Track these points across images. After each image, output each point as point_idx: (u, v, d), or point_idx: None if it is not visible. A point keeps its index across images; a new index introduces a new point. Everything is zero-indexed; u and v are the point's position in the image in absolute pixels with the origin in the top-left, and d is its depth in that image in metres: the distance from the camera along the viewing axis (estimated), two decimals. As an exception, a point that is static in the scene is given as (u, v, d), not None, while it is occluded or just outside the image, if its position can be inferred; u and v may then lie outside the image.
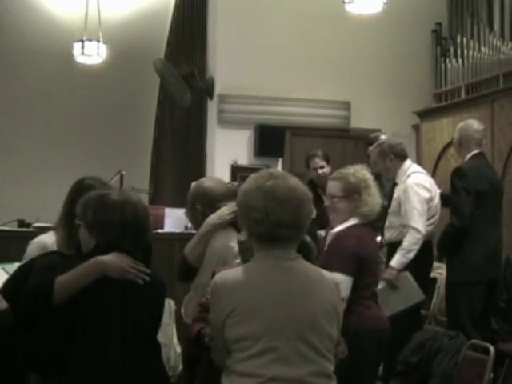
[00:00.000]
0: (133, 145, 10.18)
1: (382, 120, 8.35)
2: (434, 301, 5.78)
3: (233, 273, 2.55)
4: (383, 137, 6.08)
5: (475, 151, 5.28)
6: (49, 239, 3.42)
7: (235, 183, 4.71)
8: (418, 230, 5.14)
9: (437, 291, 5.98)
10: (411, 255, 5.10)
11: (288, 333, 2.42)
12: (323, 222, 4.66)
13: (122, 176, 7.02)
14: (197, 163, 8.64)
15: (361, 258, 3.75)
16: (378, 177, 5.86)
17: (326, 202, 4.11)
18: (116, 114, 10.19)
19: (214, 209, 3.79)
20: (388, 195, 5.54)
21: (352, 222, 3.90)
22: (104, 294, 2.68)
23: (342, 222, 3.92)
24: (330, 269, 3.05)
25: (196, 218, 3.91)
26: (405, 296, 4.99)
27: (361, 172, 4.00)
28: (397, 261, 5.08)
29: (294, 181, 2.55)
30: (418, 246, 5.11)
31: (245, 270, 2.52)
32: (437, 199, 5.40)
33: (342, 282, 3.36)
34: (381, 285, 4.73)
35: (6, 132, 9.79)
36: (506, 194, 5.71)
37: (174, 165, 9.76)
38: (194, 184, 4.07)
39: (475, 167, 5.23)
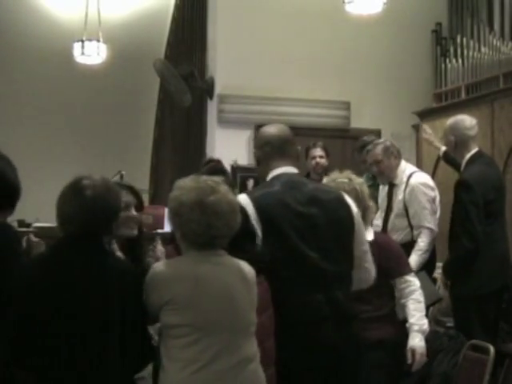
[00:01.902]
0: (133, 145, 10.19)
1: (382, 120, 8.36)
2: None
3: (171, 265, 2.71)
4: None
5: (474, 150, 4.95)
6: None
7: None
8: (432, 230, 5.21)
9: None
10: (427, 255, 5.17)
11: (222, 322, 2.62)
12: None
13: (122, 176, 7.02)
14: (197, 163, 8.64)
15: None
16: (373, 178, 5.89)
17: None
18: (116, 114, 10.20)
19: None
20: (385, 197, 5.55)
21: (372, 231, 3.91)
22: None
23: None
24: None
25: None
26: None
27: (357, 179, 3.97)
28: (415, 262, 5.06)
29: (229, 193, 2.74)
30: (432, 246, 5.19)
31: (181, 263, 2.72)
32: (438, 197, 5.44)
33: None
34: None
35: (6, 132, 9.78)
36: (506, 194, 5.69)
37: (174, 165, 9.76)
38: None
39: (480, 174, 4.87)
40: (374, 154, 5.51)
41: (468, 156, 4.94)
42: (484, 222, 4.73)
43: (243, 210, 2.97)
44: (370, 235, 3.80)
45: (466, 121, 5.02)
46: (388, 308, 3.90)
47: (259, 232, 3.10)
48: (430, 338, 4.88)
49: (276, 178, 3.31)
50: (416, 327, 3.84)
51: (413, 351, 3.79)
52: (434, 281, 5.61)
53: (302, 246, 3.13)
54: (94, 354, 2.56)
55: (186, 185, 2.73)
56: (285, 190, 3.21)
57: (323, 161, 6.24)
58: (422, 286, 4.93)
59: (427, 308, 5.03)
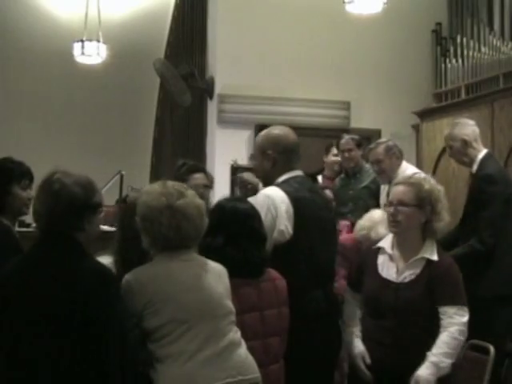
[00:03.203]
0: (133, 145, 10.19)
1: (382, 120, 8.36)
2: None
3: (143, 269, 2.77)
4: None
5: (484, 150, 4.84)
6: None
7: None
8: None
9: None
10: None
11: (202, 313, 2.71)
12: None
13: (122, 176, 7.02)
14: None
15: None
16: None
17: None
18: (116, 114, 10.20)
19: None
20: (386, 197, 5.55)
21: (434, 244, 3.51)
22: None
23: (407, 237, 3.51)
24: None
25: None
26: None
27: (432, 181, 3.62)
28: None
29: (196, 197, 2.83)
30: None
31: (153, 266, 2.79)
32: None
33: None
34: None
35: (6, 131, 9.78)
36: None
37: (173, 165, 9.71)
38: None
39: (501, 171, 4.82)
40: (376, 153, 5.47)
41: (481, 156, 4.81)
42: (505, 218, 4.61)
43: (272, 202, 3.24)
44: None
45: (469, 121, 4.96)
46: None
47: (289, 226, 3.29)
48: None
49: (292, 178, 3.50)
50: (434, 359, 3.37)
51: (416, 381, 3.34)
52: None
53: (318, 246, 3.40)
54: (46, 355, 2.50)
55: (154, 190, 2.81)
56: (306, 191, 3.47)
57: (353, 153, 6.06)
58: None
59: None
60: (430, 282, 3.42)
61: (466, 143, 4.79)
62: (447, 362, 3.38)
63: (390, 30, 8.34)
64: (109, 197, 6.54)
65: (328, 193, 5.49)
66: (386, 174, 5.46)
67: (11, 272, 2.64)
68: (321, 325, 3.33)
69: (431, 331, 3.37)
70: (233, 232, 3.02)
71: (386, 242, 3.61)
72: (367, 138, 8.11)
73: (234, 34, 8.18)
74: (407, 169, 5.50)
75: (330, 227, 3.57)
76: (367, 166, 6.05)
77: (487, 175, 4.67)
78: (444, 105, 7.99)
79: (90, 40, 9.49)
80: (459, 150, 4.85)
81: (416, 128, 8.38)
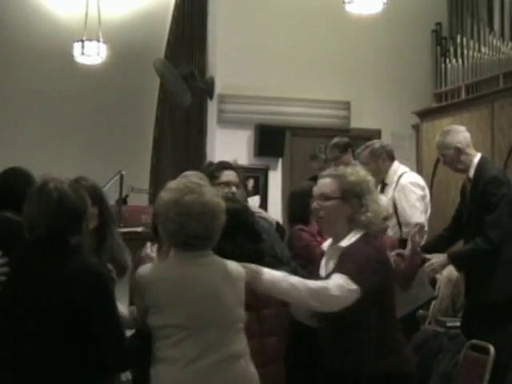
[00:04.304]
0: (133, 145, 10.18)
1: (382, 120, 8.36)
2: (434, 301, 5.77)
3: (157, 268, 2.77)
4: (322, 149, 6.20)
5: (478, 154, 4.85)
6: None
7: None
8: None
9: (437, 291, 5.98)
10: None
11: (208, 322, 2.65)
12: None
13: (122, 176, 7.02)
14: (197, 163, 8.63)
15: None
16: None
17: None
18: (116, 114, 10.19)
19: None
20: None
21: (357, 234, 3.26)
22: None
23: (335, 231, 3.29)
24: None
25: None
26: (416, 294, 4.98)
27: (361, 172, 3.44)
28: None
29: (209, 194, 2.75)
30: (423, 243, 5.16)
31: (164, 265, 2.77)
32: (428, 196, 5.51)
33: None
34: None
35: (6, 132, 9.78)
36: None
37: (174, 165, 9.75)
38: None
39: (502, 171, 4.86)
40: (362, 157, 5.59)
41: (476, 160, 4.82)
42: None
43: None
44: None
45: (459, 127, 5.00)
46: None
47: None
48: (430, 338, 4.91)
49: None
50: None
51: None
52: (433, 281, 5.62)
53: None
54: (41, 355, 2.54)
55: (169, 185, 2.80)
56: None
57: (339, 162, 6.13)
58: (416, 285, 4.95)
59: (422, 306, 5.04)
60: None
61: (459, 150, 4.79)
62: (284, 286, 2.96)
63: (390, 30, 8.33)
64: (109, 197, 6.55)
65: None
66: (373, 176, 5.49)
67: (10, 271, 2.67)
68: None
69: (356, 323, 3.12)
70: (228, 230, 2.98)
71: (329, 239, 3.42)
72: (367, 138, 8.12)
73: (234, 34, 8.17)
74: (399, 168, 5.58)
75: None
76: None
77: (494, 177, 4.69)
78: (444, 105, 7.98)
79: (90, 40, 9.48)
80: (453, 158, 4.86)
81: (416, 128, 8.38)
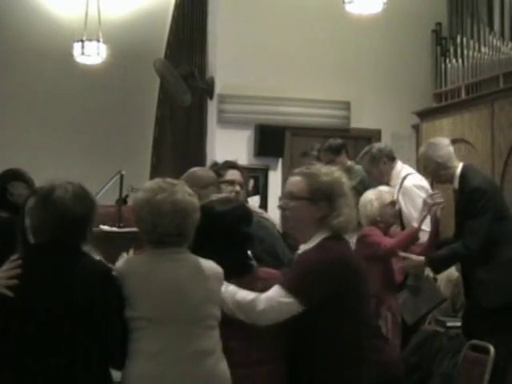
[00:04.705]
0: (133, 145, 10.18)
1: (382, 120, 8.36)
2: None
3: (129, 261, 2.87)
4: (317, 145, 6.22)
5: (460, 164, 4.81)
6: None
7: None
8: (425, 231, 5.20)
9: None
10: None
11: (173, 313, 2.69)
12: None
13: (122, 176, 7.01)
14: (197, 163, 8.63)
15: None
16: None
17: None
18: (116, 114, 10.19)
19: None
20: None
21: (319, 238, 3.01)
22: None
23: (301, 233, 3.08)
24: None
25: None
26: (427, 298, 4.99)
27: (336, 173, 3.14)
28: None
29: (181, 193, 2.80)
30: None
31: (139, 260, 2.83)
32: None
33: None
34: (404, 294, 4.80)
35: (6, 132, 9.78)
36: (506, 194, 5.69)
37: (174, 165, 9.75)
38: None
39: (485, 178, 4.81)
40: (363, 165, 5.70)
41: (459, 170, 4.79)
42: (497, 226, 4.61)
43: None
44: None
45: (442, 140, 4.96)
46: None
47: None
48: (430, 338, 4.91)
49: None
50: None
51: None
52: (435, 280, 5.63)
53: None
54: (59, 354, 2.57)
55: (145, 186, 2.88)
56: None
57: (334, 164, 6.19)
58: (427, 289, 4.95)
59: (431, 311, 5.05)
60: None
61: (439, 165, 4.78)
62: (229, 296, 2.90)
63: (390, 30, 8.34)
64: (109, 197, 6.55)
65: None
66: (377, 180, 5.59)
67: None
68: None
69: (315, 333, 2.95)
70: (211, 234, 2.98)
71: None
72: (367, 138, 8.14)
73: (234, 34, 8.17)
74: (403, 169, 5.57)
75: None
76: (357, 166, 6.11)
77: (476, 188, 4.65)
78: (444, 105, 7.99)
79: (90, 40, 9.48)
80: (434, 171, 4.87)
81: (416, 128, 8.38)
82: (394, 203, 4.99)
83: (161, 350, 2.65)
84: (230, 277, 2.93)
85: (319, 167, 3.15)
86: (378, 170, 5.52)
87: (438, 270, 4.96)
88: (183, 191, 2.82)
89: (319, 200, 3.00)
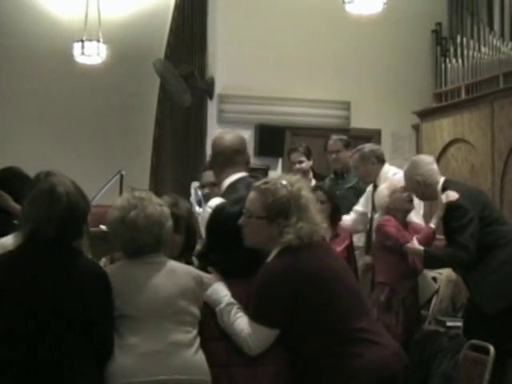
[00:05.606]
0: (133, 145, 10.19)
1: (382, 120, 8.36)
2: (434, 301, 5.78)
3: (109, 267, 3.02)
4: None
5: (441, 179, 4.76)
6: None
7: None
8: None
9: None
10: None
11: (149, 311, 2.82)
12: None
13: (122, 176, 7.03)
14: (197, 163, 8.64)
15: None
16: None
17: None
18: (116, 114, 10.20)
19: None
20: (368, 199, 5.66)
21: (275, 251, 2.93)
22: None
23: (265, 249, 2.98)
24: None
25: None
26: (421, 292, 5.12)
27: (297, 184, 2.99)
28: None
29: (152, 206, 2.94)
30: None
31: (116, 265, 3.01)
32: None
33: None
34: None
35: (6, 132, 9.79)
36: (506, 194, 5.71)
37: (173, 165, 9.76)
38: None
39: (463, 192, 4.67)
40: (353, 160, 5.81)
41: (440, 185, 4.74)
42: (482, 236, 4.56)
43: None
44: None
45: (426, 157, 4.96)
46: None
47: None
48: (430, 338, 4.91)
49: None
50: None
51: None
52: (433, 281, 5.64)
53: None
54: (54, 352, 2.63)
55: (115, 204, 3.00)
56: None
57: (303, 165, 6.19)
58: (422, 281, 5.03)
59: (427, 302, 5.10)
60: None
61: (418, 183, 4.75)
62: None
63: (390, 30, 8.34)
64: (109, 197, 6.55)
65: None
66: (362, 178, 5.82)
67: (6, 272, 2.71)
68: None
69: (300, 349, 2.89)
70: (221, 234, 3.08)
71: None
72: (367, 138, 8.13)
73: (234, 34, 8.18)
74: (389, 170, 5.63)
75: None
76: None
77: (455, 205, 4.58)
78: (444, 105, 7.99)
79: (90, 40, 9.50)
80: (414, 189, 4.86)
81: (416, 128, 8.39)
82: (403, 189, 5.03)
83: (138, 343, 2.79)
84: (239, 276, 2.98)
85: (279, 179, 3.00)
86: (365, 169, 5.67)
87: (427, 266, 4.99)
88: (153, 204, 2.95)
89: (276, 218, 2.90)
